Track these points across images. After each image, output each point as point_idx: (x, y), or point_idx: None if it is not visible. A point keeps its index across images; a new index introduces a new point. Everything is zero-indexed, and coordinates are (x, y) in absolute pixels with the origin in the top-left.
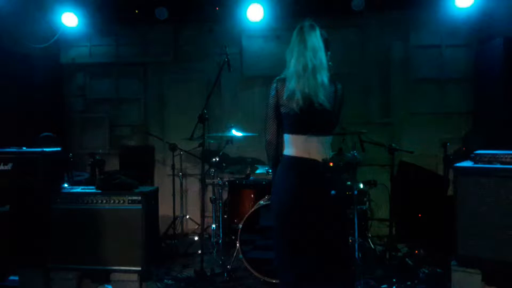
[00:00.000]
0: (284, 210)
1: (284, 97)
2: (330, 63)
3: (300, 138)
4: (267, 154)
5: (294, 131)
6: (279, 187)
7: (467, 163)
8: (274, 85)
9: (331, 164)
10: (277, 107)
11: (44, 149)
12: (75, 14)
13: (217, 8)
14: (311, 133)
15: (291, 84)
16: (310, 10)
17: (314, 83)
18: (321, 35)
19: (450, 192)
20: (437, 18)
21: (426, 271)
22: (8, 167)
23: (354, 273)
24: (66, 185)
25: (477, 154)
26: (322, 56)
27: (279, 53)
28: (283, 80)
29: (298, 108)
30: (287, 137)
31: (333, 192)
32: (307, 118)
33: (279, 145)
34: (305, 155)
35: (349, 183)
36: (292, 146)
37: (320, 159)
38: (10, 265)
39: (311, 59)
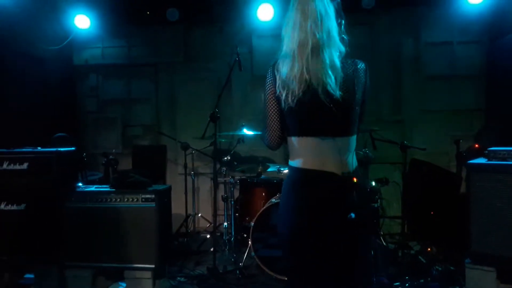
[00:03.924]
0: (290, 238)
1: (279, 87)
2: (344, 36)
3: (309, 141)
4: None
5: (299, 131)
6: (284, 208)
7: (481, 160)
8: (269, 73)
9: (355, 179)
10: (277, 100)
11: (59, 149)
12: (88, 16)
13: (228, 8)
14: (324, 134)
15: (283, 68)
16: None
17: (318, 65)
18: None
19: (463, 189)
20: (448, 14)
21: (439, 268)
22: (24, 166)
23: None
24: (80, 184)
25: (491, 151)
26: (331, 26)
27: None
28: (275, 67)
29: (295, 101)
30: (291, 140)
31: (352, 215)
32: (313, 115)
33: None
34: (318, 167)
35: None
36: (299, 153)
37: (339, 172)
38: (26, 263)
39: (313, 31)
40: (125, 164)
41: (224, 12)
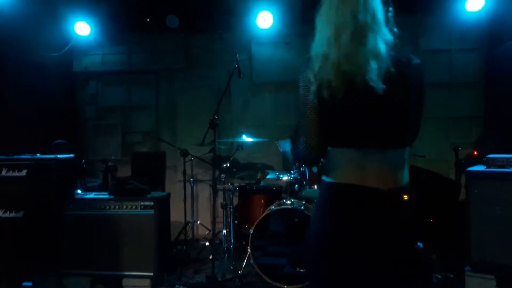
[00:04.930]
0: (322, 267)
1: (312, 82)
2: (394, 28)
3: (348, 153)
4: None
5: (337, 141)
6: (315, 229)
7: (480, 167)
8: (304, 68)
9: (405, 197)
10: (315, 99)
11: (58, 156)
12: (88, 23)
13: (227, 16)
14: (368, 144)
15: (318, 57)
16: None
17: (359, 52)
18: None
19: (462, 196)
20: (446, 22)
21: (439, 276)
22: (23, 173)
23: None
24: (79, 191)
25: (490, 158)
26: (376, 7)
27: (288, 59)
28: (310, 61)
29: (331, 96)
30: (328, 152)
31: (420, 245)
32: (354, 117)
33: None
34: (357, 181)
35: None
36: (336, 166)
37: (385, 188)
38: (24, 270)
39: (354, 12)
40: (124, 171)
41: (224, 20)
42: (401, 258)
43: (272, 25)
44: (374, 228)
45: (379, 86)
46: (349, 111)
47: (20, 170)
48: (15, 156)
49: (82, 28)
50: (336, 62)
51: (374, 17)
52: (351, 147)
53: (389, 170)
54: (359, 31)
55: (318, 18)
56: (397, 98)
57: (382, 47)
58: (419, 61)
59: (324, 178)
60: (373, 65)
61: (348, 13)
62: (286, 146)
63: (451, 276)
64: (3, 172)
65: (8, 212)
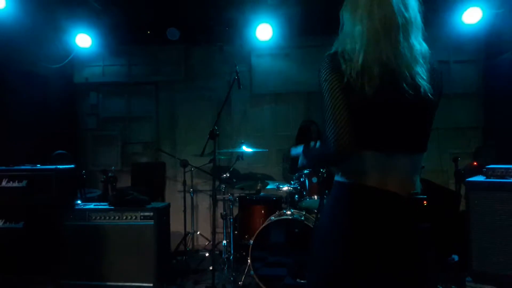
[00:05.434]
0: (334, 276)
1: (344, 81)
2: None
3: (372, 156)
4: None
5: (363, 144)
6: (327, 235)
7: (480, 178)
8: (328, 61)
9: (425, 202)
10: (344, 92)
11: (58, 166)
12: (89, 35)
13: (227, 28)
14: (396, 148)
15: (361, 52)
16: (318, 28)
17: (407, 50)
18: None
19: (462, 207)
20: (444, 34)
21: (440, 287)
22: (23, 184)
23: None
24: (79, 201)
25: (489, 168)
26: (415, 7)
27: (287, 71)
28: (336, 55)
29: (373, 92)
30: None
31: (455, 257)
32: (390, 117)
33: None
34: (378, 184)
35: None
36: (355, 168)
37: (404, 193)
38: (23, 281)
39: (400, 7)
40: (124, 181)
41: (224, 32)
42: (415, 265)
43: (272, 37)
44: (394, 234)
45: (426, 87)
46: (382, 113)
47: (20, 181)
48: (15, 167)
49: (83, 40)
50: (385, 57)
51: (416, 16)
52: (377, 150)
53: (410, 175)
54: (405, 28)
55: (353, 9)
56: (429, 102)
57: (425, 48)
58: (439, 67)
59: (338, 179)
60: (422, 64)
61: (395, 6)
62: (297, 149)
63: (453, 287)
64: (3, 183)
65: (8, 222)
